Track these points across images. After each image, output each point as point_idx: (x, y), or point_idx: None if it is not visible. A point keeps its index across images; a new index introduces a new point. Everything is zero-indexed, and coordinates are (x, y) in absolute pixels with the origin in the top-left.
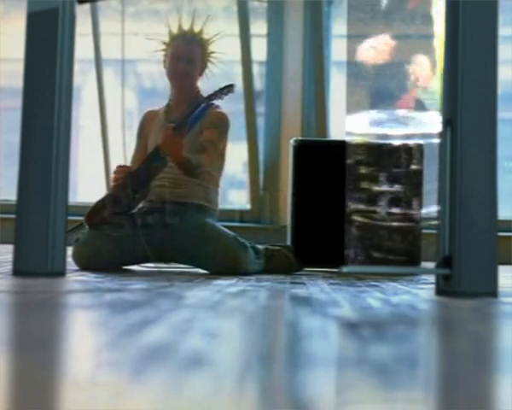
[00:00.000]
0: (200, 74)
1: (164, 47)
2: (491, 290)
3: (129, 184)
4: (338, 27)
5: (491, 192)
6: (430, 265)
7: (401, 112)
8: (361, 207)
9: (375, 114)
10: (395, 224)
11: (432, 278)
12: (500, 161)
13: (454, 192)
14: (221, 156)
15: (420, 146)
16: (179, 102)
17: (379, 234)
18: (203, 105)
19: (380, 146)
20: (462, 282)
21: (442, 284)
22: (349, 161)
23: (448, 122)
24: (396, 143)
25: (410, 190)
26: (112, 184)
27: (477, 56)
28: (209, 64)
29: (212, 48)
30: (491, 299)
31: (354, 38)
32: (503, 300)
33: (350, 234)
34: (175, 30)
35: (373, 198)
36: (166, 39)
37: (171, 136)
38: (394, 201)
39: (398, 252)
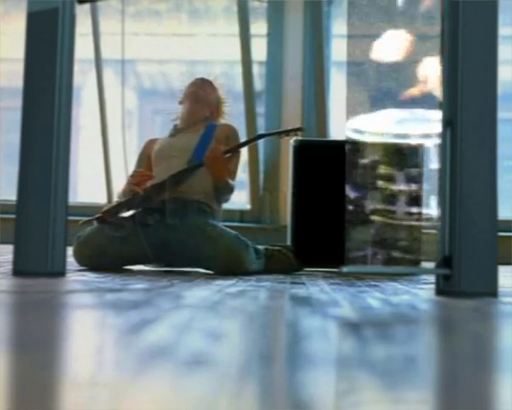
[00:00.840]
0: (210, 115)
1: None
2: (491, 290)
3: (146, 198)
4: (338, 27)
5: (491, 192)
6: (430, 265)
7: (418, 111)
8: (379, 206)
9: (389, 113)
10: (413, 223)
11: (432, 278)
12: (500, 161)
13: (454, 192)
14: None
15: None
16: (188, 123)
17: (397, 233)
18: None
19: (396, 146)
20: (462, 282)
21: (442, 284)
22: (365, 161)
23: (448, 122)
24: (412, 142)
25: (427, 188)
26: (128, 187)
27: (477, 56)
28: (219, 118)
29: (223, 108)
30: (491, 299)
31: (354, 37)
32: (503, 300)
33: (368, 234)
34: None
35: (391, 197)
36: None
37: (220, 157)
38: (412, 200)
39: (416, 251)
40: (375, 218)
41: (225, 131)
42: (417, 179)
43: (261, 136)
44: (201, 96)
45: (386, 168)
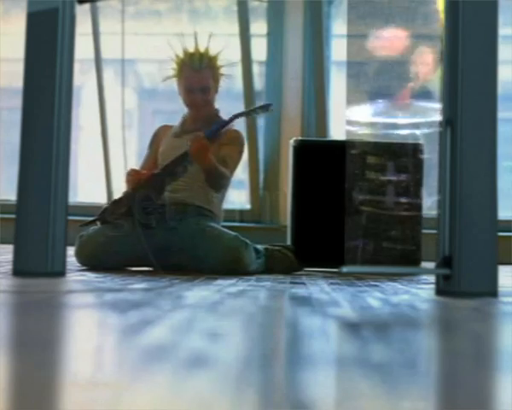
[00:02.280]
0: (216, 92)
1: (174, 73)
2: (491, 290)
3: (145, 189)
4: (338, 27)
5: (491, 192)
6: (430, 265)
7: (405, 102)
8: (368, 197)
9: (378, 104)
10: (403, 213)
11: (432, 278)
12: (500, 161)
13: (454, 192)
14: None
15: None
16: (196, 119)
17: (387, 223)
18: (231, 117)
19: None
20: (462, 282)
21: (442, 284)
22: (354, 152)
23: (448, 122)
24: (401, 141)
25: (416, 178)
26: (127, 187)
27: (477, 56)
28: (221, 80)
29: (220, 62)
30: (491, 299)
31: (354, 37)
32: (503, 300)
33: (358, 224)
34: (181, 55)
35: (380, 188)
36: (174, 64)
37: (201, 141)
38: (401, 190)
39: (406, 241)
40: (364, 208)
41: (227, 137)
42: (407, 170)
43: (235, 116)
44: (202, 102)
45: (375, 159)
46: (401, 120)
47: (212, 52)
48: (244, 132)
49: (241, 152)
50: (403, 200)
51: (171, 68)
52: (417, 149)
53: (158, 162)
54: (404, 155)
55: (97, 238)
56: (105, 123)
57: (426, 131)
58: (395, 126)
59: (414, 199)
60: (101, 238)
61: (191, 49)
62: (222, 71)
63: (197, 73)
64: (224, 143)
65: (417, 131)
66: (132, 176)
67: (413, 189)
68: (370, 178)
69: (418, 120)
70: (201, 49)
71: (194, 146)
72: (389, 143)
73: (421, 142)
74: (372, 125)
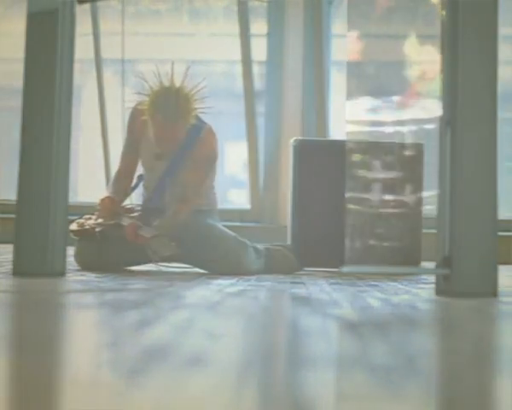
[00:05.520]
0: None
1: (145, 110)
2: (491, 290)
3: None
4: (338, 27)
5: (491, 192)
6: (430, 265)
7: (396, 98)
8: (356, 195)
9: (370, 101)
10: (390, 210)
11: (432, 278)
12: (500, 161)
13: (454, 192)
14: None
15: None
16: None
17: (373, 221)
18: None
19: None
20: (462, 282)
21: (442, 284)
22: (351, 148)
23: (448, 122)
24: (395, 142)
25: (405, 176)
26: (98, 216)
27: (477, 56)
28: (193, 116)
29: (194, 102)
30: (491, 299)
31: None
32: (503, 300)
33: (347, 222)
34: (155, 86)
35: (367, 186)
36: (146, 98)
37: (134, 232)
38: (389, 187)
39: (393, 239)
40: (351, 206)
41: (196, 155)
42: (395, 168)
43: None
44: (173, 144)
45: (363, 156)
46: (401, 118)
47: (187, 88)
48: (244, 132)
49: (208, 171)
50: (390, 197)
51: (142, 97)
52: (417, 149)
53: (142, 165)
54: (403, 153)
55: (97, 242)
56: (105, 123)
57: (410, 128)
58: (395, 125)
59: (417, 196)
60: (101, 241)
61: (166, 83)
62: (196, 107)
63: (170, 124)
64: (192, 165)
65: (402, 128)
66: (106, 205)
67: (414, 187)
68: (360, 176)
69: (400, 117)
70: (176, 84)
71: (129, 237)
72: (389, 143)
73: (421, 142)
74: (372, 124)
